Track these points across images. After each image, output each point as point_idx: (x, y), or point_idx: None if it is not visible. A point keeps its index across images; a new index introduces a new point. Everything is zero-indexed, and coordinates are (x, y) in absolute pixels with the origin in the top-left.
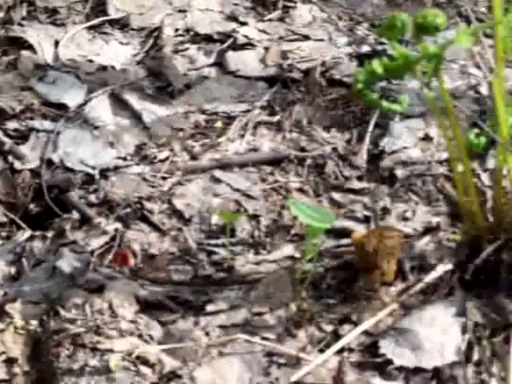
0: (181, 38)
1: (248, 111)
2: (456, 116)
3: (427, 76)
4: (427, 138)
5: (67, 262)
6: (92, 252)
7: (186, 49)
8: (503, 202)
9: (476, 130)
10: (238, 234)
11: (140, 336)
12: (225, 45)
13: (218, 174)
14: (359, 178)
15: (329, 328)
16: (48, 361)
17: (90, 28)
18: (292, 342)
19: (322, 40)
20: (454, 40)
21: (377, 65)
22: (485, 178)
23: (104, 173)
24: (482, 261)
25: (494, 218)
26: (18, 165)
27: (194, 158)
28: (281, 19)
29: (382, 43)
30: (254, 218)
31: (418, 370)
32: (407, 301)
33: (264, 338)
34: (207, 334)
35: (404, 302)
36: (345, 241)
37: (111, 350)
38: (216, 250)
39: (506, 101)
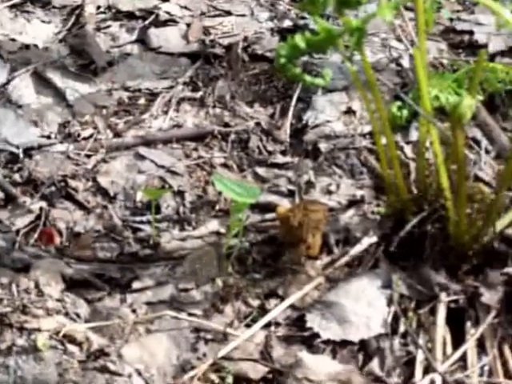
0: (103, 16)
1: (171, 87)
2: (378, 89)
3: (349, 50)
4: (350, 112)
5: None
6: (17, 231)
7: (108, 26)
8: (427, 174)
9: (398, 103)
10: (164, 211)
11: (67, 314)
12: (147, 21)
13: (142, 150)
14: (283, 153)
15: (255, 303)
16: None
17: (11, 7)
18: (219, 318)
19: (243, 15)
20: (375, 13)
21: (299, 39)
22: (408, 150)
23: (28, 152)
24: (406, 233)
25: (418, 190)
26: None
27: (117, 135)
28: None
29: (303, 18)
30: (179, 194)
31: (344, 343)
32: (333, 274)
33: (191, 314)
34: (134, 311)
35: (330, 275)
36: (270, 215)
37: (38, 329)
38: (141, 226)
39: (428, 73)
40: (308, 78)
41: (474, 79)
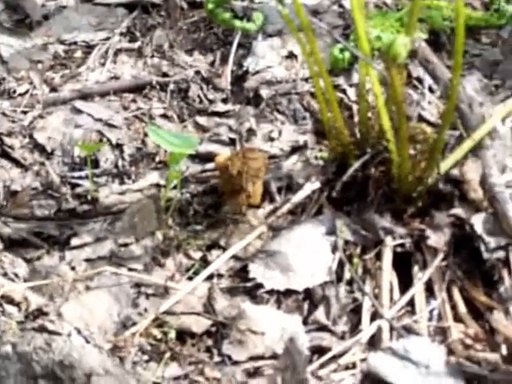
0: None
1: (108, 39)
2: (317, 32)
3: None
4: (291, 56)
5: None
6: None
7: None
8: (369, 116)
9: (340, 46)
10: (102, 165)
11: (5, 275)
12: None
13: (78, 104)
14: (224, 101)
15: (197, 255)
16: None
17: None
18: (160, 272)
19: None
20: None
21: None
22: (351, 93)
23: None
24: (349, 177)
25: (360, 132)
26: None
27: (54, 89)
28: None
29: None
30: (118, 147)
31: (289, 293)
32: (275, 222)
33: (131, 269)
34: (73, 268)
35: (272, 223)
36: (210, 165)
37: None
38: (80, 182)
39: (367, 14)
40: (238, 22)
41: (412, 16)
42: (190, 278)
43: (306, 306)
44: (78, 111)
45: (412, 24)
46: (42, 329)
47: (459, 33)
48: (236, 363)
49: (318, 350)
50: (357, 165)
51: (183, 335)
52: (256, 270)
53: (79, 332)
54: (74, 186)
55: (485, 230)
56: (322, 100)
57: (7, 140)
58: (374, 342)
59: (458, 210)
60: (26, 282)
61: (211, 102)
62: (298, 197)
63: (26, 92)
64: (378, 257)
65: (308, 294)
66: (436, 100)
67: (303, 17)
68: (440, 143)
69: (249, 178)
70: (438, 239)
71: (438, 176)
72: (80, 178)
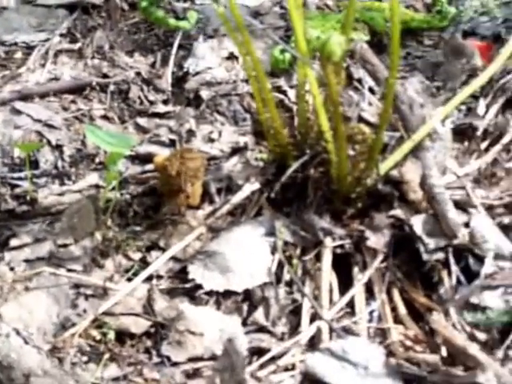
0: None
1: (48, 40)
2: (258, 33)
3: None
4: (232, 58)
5: None
6: None
7: None
8: (308, 117)
9: (281, 47)
10: (42, 166)
11: None
12: None
13: (18, 105)
14: (164, 102)
15: (136, 256)
16: None
17: None
18: (99, 273)
19: None
20: None
21: None
22: (292, 94)
23: None
24: (288, 178)
25: (300, 133)
26: None
27: None
28: None
29: None
30: (57, 148)
31: (228, 294)
32: (215, 223)
33: (70, 270)
34: (12, 269)
35: (211, 224)
36: (150, 166)
37: None
38: (19, 183)
39: (307, 15)
40: (172, 20)
41: (348, 15)
42: (130, 279)
43: (245, 307)
44: (18, 112)
45: (348, 23)
46: None
47: (394, 32)
48: (175, 364)
49: (257, 351)
50: (296, 166)
51: (122, 336)
52: (195, 271)
53: (18, 333)
54: (13, 186)
55: (424, 231)
56: (260, 100)
57: None
58: (313, 343)
59: (398, 211)
60: None
61: (152, 103)
62: (237, 198)
63: None
64: (318, 258)
65: (247, 295)
66: (376, 101)
67: (238, 16)
68: (378, 143)
69: (187, 178)
70: (377, 240)
71: (378, 177)
72: (19, 178)
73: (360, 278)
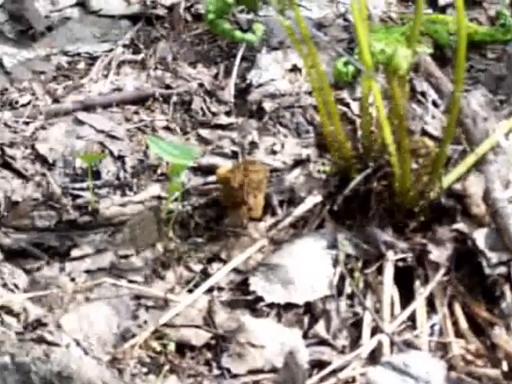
0: None
1: (111, 50)
2: (322, 45)
3: (280, 3)
4: (295, 69)
5: None
6: None
7: None
8: (371, 130)
9: (344, 59)
10: (104, 176)
11: (4, 285)
12: None
13: (81, 115)
14: (227, 113)
15: (197, 267)
16: None
17: None
18: (160, 284)
19: None
20: None
21: None
22: (355, 106)
23: None
24: (351, 191)
25: (363, 146)
26: None
27: (56, 100)
28: None
29: None
30: (119, 159)
31: (289, 306)
32: (277, 236)
33: (131, 281)
34: (73, 279)
35: (273, 237)
36: (212, 178)
37: None
38: (81, 193)
39: (371, 27)
40: (238, 33)
41: (413, 29)
42: (191, 291)
43: (306, 319)
44: (80, 122)
45: (414, 37)
46: (40, 340)
47: (461, 46)
48: (235, 376)
49: (318, 364)
50: (359, 178)
51: (183, 348)
52: (257, 283)
53: (78, 343)
54: (75, 197)
55: (487, 246)
56: (324, 113)
57: (9, 151)
58: (374, 357)
59: (461, 225)
60: (26, 292)
61: (214, 114)
62: (299, 210)
63: (29, 103)
64: (380, 271)
65: (308, 307)
66: (440, 114)
67: (304, 29)
68: (442, 157)
69: (250, 190)
70: (439, 254)
71: (441, 190)
72: (81, 189)
73: (422, 292)
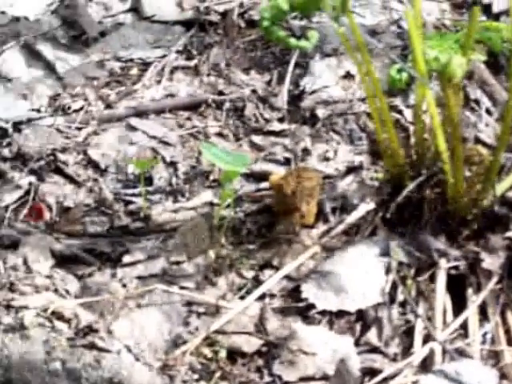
0: None
1: (164, 56)
2: (375, 52)
3: (336, 11)
4: (348, 76)
5: None
6: (6, 207)
7: None
8: (424, 137)
9: (398, 66)
10: (156, 182)
11: (56, 291)
12: None
13: (133, 121)
14: (280, 120)
15: (249, 274)
16: None
17: None
18: (211, 290)
19: None
20: None
21: (282, 1)
22: (408, 113)
23: (17, 126)
24: (404, 198)
25: (416, 154)
26: None
27: (109, 106)
28: None
29: None
30: (172, 165)
31: (341, 313)
32: (329, 243)
33: (183, 288)
34: (124, 285)
35: (326, 244)
36: (265, 184)
37: (26, 307)
38: (133, 199)
39: (425, 35)
40: (293, 40)
41: (468, 37)
42: (242, 298)
43: (358, 327)
44: (133, 128)
45: (468, 45)
46: (91, 346)
47: None
48: None
49: (370, 372)
50: (412, 186)
51: (234, 355)
52: (308, 291)
53: (129, 350)
54: (127, 203)
55: None
56: (378, 120)
57: (61, 156)
58: (426, 365)
59: None
60: (77, 298)
61: (267, 121)
62: (352, 217)
63: (81, 108)
64: (432, 279)
65: (360, 315)
66: (493, 122)
67: (359, 36)
68: (496, 165)
69: (303, 197)
70: (492, 262)
71: (494, 198)
72: (133, 195)
73: (474, 300)
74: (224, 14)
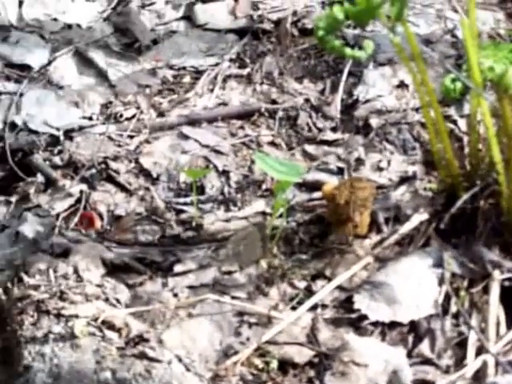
0: None
1: (217, 64)
2: (429, 61)
3: (391, 20)
4: (402, 86)
5: (31, 227)
6: (57, 215)
7: (154, 3)
8: (479, 148)
9: (452, 75)
10: (208, 191)
11: (107, 300)
12: None
13: (186, 130)
14: (333, 129)
15: (301, 284)
16: (12, 329)
17: None
18: (263, 301)
19: None
20: None
21: (337, 10)
22: (462, 124)
23: (69, 133)
24: (458, 209)
25: (470, 164)
26: None
27: (161, 114)
28: None
29: None
30: (224, 174)
31: (394, 325)
32: (382, 253)
33: (234, 298)
34: (176, 295)
35: (379, 254)
36: (317, 194)
37: (76, 316)
38: (185, 208)
39: (480, 44)
40: (348, 50)
41: None
42: (294, 308)
43: (410, 338)
44: (185, 137)
45: None
46: (142, 355)
47: None
48: None
49: None
50: (466, 197)
51: (285, 365)
52: (361, 301)
53: (180, 360)
54: (178, 212)
55: None
56: (432, 130)
57: (113, 164)
58: (478, 377)
59: None
60: (128, 307)
61: (320, 130)
62: (405, 228)
63: (133, 116)
64: (486, 290)
65: (413, 326)
66: None
67: (414, 45)
68: None
69: (356, 207)
70: None
71: None
72: (185, 204)
73: None
74: (277, 23)
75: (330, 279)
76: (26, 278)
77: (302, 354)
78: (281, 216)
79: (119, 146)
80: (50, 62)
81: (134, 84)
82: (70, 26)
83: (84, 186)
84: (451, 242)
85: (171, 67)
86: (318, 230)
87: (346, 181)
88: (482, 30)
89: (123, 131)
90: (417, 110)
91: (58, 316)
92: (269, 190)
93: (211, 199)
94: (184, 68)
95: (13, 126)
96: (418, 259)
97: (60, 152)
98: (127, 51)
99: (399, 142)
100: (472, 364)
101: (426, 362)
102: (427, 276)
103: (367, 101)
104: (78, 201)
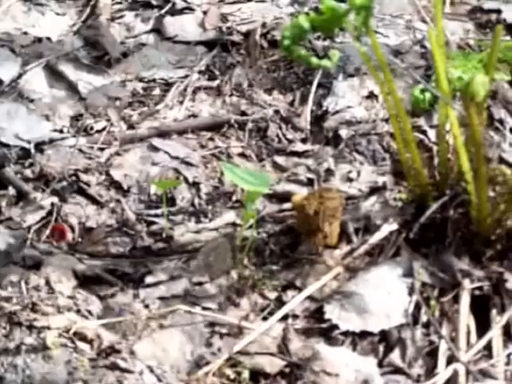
0: (118, 6)
1: (186, 77)
2: (398, 72)
3: (357, 30)
4: (372, 96)
5: (3, 239)
6: (29, 228)
7: (123, 16)
8: (448, 157)
9: (421, 86)
10: (179, 203)
11: (78, 311)
12: (163, 10)
13: (156, 142)
14: (303, 140)
15: (272, 295)
16: None
17: (25, 0)
18: (234, 311)
19: (263, 1)
20: None
21: (303, 19)
22: (432, 134)
23: (40, 146)
24: (427, 219)
25: (440, 174)
26: None
27: (131, 127)
28: None
29: None
30: (194, 185)
31: (364, 334)
32: (352, 263)
33: (205, 308)
34: (147, 306)
35: (349, 264)
36: (287, 205)
37: (48, 327)
38: (155, 220)
39: (449, 54)
40: (314, 59)
41: (491, 56)
42: (265, 318)
43: (381, 348)
44: (155, 149)
45: (491, 63)
46: (114, 366)
47: None
48: None
49: None
50: (435, 206)
51: (257, 375)
52: (331, 311)
53: (151, 370)
54: (149, 223)
55: None
56: (401, 141)
57: (83, 176)
58: None
59: None
60: (99, 319)
61: (290, 141)
62: (375, 238)
63: (104, 129)
64: (456, 300)
65: (384, 336)
66: None
67: (380, 55)
68: None
69: (325, 218)
70: None
71: None
72: (156, 215)
73: (498, 321)
74: (246, 35)
75: (300, 289)
76: None
77: (273, 364)
78: (251, 227)
79: (90, 158)
80: (20, 76)
81: (104, 97)
82: (40, 40)
83: (55, 199)
84: (421, 251)
85: (141, 80)
86: (288, 240)
87: (316, 191)
88: (452, 40)
89: (94, 144)
90: (386, 120)
91: (30, 327)
92: (239, 202)
93: (182, 211)
94: (154, 80)
95: None
96: (388, 269)
97: (31, 165)
98: (97, 64)
99: (369, 152)
100: (443, 373)
101: (397, 371)
102: (397, 286)
103: (337, 112)
104: (50, 213)
